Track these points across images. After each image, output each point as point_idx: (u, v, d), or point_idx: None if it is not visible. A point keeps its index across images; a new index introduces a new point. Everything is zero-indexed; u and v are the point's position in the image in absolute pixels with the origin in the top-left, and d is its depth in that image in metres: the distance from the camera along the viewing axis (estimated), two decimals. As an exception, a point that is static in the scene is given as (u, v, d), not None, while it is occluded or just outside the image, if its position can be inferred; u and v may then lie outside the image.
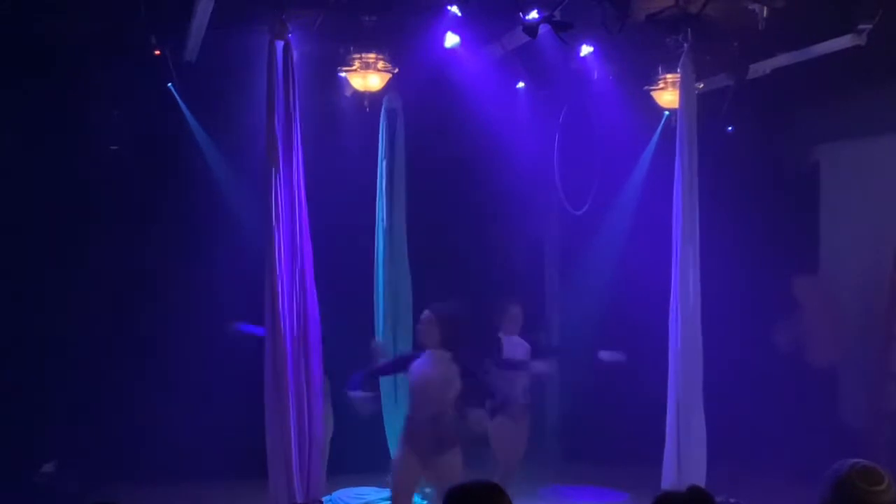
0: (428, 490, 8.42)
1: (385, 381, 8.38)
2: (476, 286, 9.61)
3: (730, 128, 9.24)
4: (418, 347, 6.98)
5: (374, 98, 8.19)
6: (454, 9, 7.10)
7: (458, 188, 9.50)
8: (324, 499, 7.80)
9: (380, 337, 8.59)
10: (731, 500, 3.38)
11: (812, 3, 7.18)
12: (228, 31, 7.51)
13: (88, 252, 8.47)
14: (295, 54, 7.49)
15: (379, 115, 8.49)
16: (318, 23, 7.46)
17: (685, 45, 7.16)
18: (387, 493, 8.41)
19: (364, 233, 8.98)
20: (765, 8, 7.00)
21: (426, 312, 6.91)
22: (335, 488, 8.33)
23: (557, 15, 6.07)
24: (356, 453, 8.59)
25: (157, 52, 7.86)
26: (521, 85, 9.18)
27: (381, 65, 7.86)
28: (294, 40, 7.19)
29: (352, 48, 7.83)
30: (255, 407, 8.28)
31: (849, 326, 9.12)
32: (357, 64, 7.84)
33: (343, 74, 7.96)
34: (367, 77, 7.90)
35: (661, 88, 8.31)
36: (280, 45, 6.68)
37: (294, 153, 6.59)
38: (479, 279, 9.68)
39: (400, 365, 7.31)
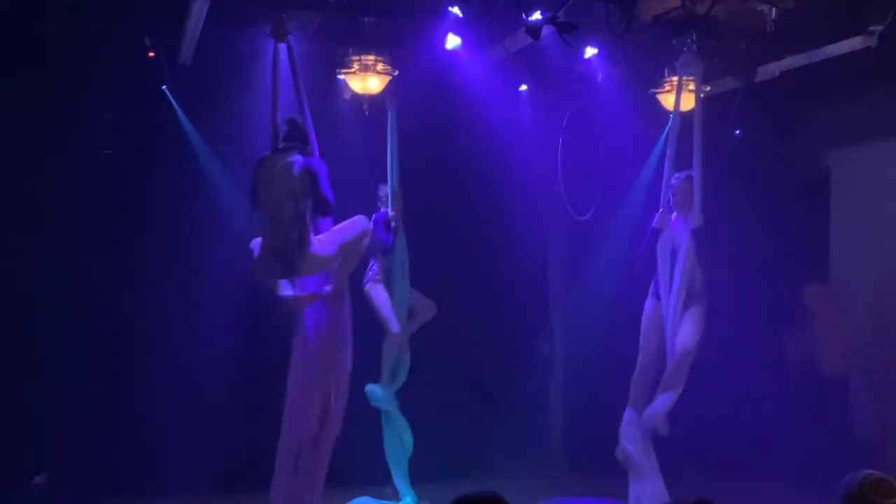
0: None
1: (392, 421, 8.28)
2: (479, 292, 9.51)
3: (738, 131, 9.11)
4: None
5: (373, 101, 8.05)
6: (455, 10, 7.04)
7: (460, 193, 9.40)
8: None
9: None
10: None
11: (822, 4, 7.08)
12: (224, 34, 7.46)
13: (80, 257, 8.32)
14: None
15: (377, 119, 8.33)
16: (317, 24, 7.38)
17: (693, 46, 7.07)
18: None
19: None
20: (773, 9, 6.92)
21: None
22: (340, 500, 8.14)
23: (561, 16, 6.01)
24: (356, 466, 8.43)
25: (152, 55, 7.83)
26: (524, 88, 9.10)
27: (380, 67, 7.80)
28: (291, 41, 7.10)
29: (350, 50, 7.76)
30: (249, 420, 8.20)
31: (860, 335, 9.00)
32: (356, 66, 7.78)
33: (342, 77, 7.87)
34: (366, 80, 7.83)
35: (668, 91, 8.24)
36: (283, 47, 6.71)
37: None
38: (481, 285, 9.57)
39: None
